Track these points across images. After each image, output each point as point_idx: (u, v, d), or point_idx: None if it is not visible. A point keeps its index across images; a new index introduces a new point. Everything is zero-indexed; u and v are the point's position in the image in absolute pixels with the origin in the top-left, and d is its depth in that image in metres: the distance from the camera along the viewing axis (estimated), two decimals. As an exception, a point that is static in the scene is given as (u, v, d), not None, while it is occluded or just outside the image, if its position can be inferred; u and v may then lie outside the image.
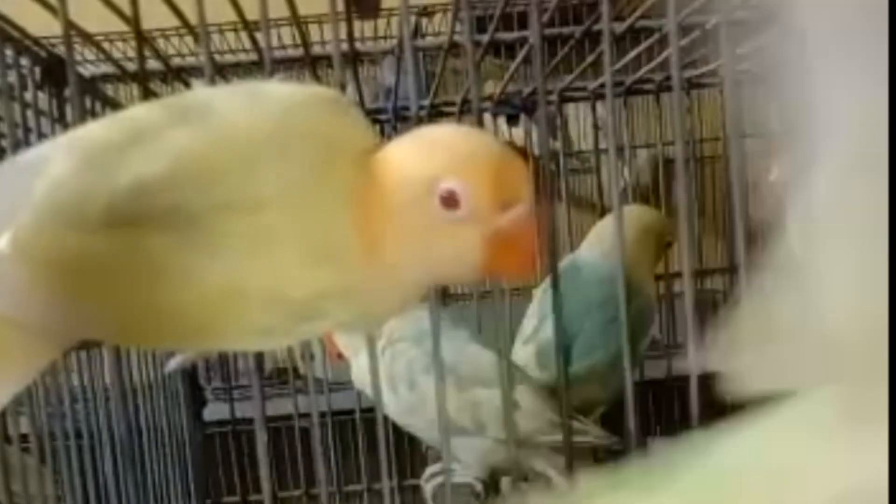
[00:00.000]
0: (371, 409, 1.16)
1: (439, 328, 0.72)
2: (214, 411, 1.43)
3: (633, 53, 1.06)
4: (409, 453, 1.38)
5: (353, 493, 1.42)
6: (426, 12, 1.66)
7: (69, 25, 0.62)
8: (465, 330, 1.06)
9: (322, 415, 1.33)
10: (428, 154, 0.47)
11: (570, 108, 1.76)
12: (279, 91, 0.50)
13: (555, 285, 0.73)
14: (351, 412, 1.32)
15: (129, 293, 0.46)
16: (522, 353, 1.15)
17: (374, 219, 0.46)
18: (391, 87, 1.27)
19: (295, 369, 1.38)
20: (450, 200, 0.46)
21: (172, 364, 0.62)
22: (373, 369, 0.64)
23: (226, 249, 0.45)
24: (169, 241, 0.45)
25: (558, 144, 1.68)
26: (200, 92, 0.52)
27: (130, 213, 0.44)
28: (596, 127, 1.40)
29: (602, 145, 1.43)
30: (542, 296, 1.19)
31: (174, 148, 0.45)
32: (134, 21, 0.64)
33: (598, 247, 1.16)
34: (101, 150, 0.46)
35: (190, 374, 1.25)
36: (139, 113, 0.49)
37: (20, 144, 0.76)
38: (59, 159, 0.46)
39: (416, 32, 1.58)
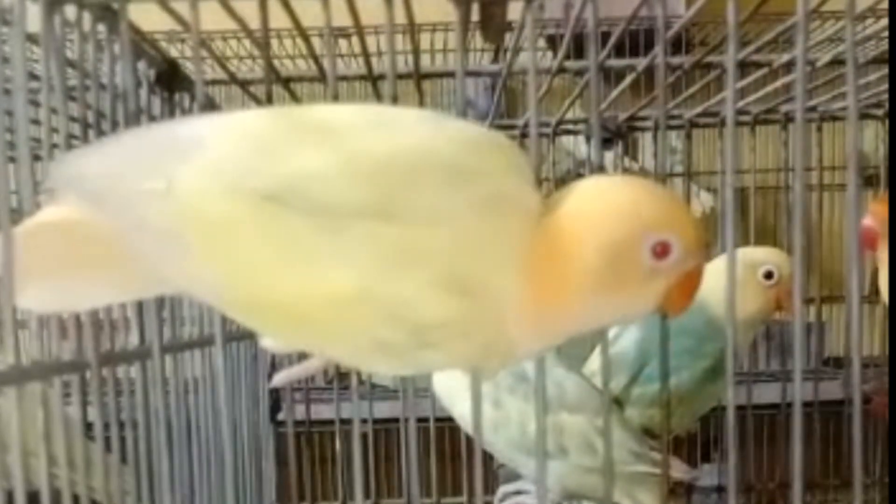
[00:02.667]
0: (445, 419, 1.15)
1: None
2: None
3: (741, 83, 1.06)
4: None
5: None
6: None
7: (200, 42, 0.62)
8: (551, 353, 1.06)
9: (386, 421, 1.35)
10: (632, 210, 0.49)
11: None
12: (462, 124, 0.52)
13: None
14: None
15: (264, 267, 0.47)
16: (593, 365, 1.15)
17: (552, 271, 0.48)
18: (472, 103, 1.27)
19: (358, 375, 1.38)
20: (661, 251, 0.49)
21: (279, 379, 0.63)
22: (475, 410, 0.64)
23: (365, 255, 0.46)
24: (315, 231, 0.46)
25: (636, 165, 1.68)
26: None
27: (289, 195, 0.46)
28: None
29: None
30: (644, 335, 1.18)
31: (348, 146, 0.47)
32: (264, 32, 0.64)
33: (711, 279, 1.14)
34: (270, 135, 0.48)
35: (271, 373, 1.25)
36: (317, 111, 0.51)
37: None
38: (219, 136, 0.48)
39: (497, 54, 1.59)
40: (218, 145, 0.48)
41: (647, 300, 0.51)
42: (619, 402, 1.11)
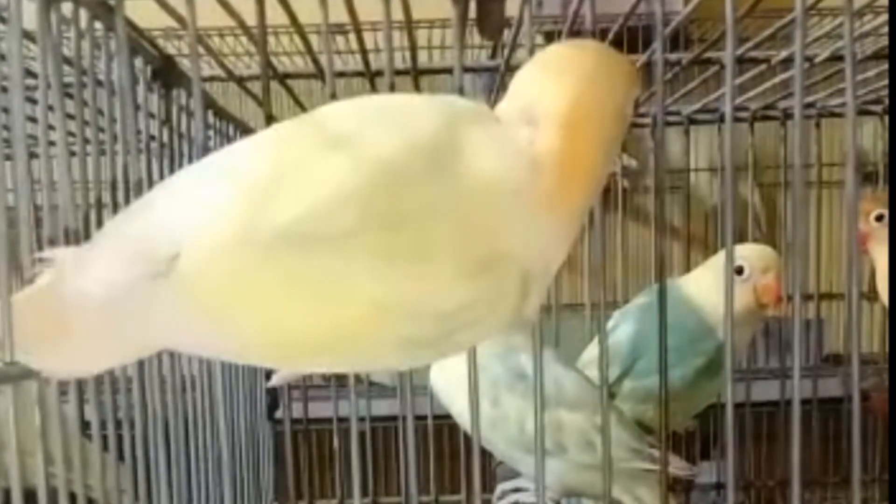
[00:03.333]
0: (443, 417, 1.15)
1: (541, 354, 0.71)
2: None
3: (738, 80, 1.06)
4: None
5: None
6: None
7: (196, 39, 0.62)
8: (550, 350, 1.06)
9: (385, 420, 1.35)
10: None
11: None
12: (421, 106, 0.53)
13: (662, 311, 0.72)
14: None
15: (282, 308, 0.48)
16: (587, 355, 1.16)
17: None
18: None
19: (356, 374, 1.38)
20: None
21: (277, 378, 0.63)
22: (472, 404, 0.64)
23: (381, 266, 0.47)
24: (326, 260, 0.47)
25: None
26: (345, 109, 0.53)
27: (292, 236, 0.46)
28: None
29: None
30: (630, 306, 1.19)
31: (334, 176, 0.48)
32: (261, 29, 0.64)
33: (703, 280, 1.15)
34: (261, 181, 0.48)
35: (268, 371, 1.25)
36: (297, 133, 0.51)
37: (129, 144, 0.77)
38: (220, 188, 0.48)
39: (495, 51, 1.58)
40: (221, 200, 0.48)
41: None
42: (611, 396, 1.11)
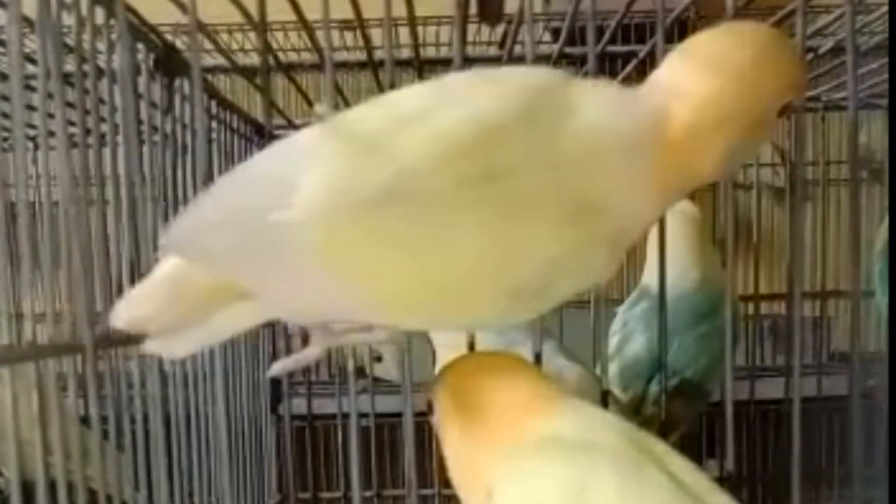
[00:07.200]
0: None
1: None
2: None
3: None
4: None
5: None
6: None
7: (198, 27, 0.62)
8: (551, 342, 1.05)
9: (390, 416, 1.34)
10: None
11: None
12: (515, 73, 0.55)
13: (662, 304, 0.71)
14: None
15: (396, 263, 0.50)
16: (611, 373, 1.14)
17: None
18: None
19: (361, 369, 1.37)
20: None
21: (277, 368, 0.62)
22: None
23: (489, 215, 0.49)
24: (433, 213, 0.49)
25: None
26: (454, 77, 0.55)
27: (401, 193, 0.48)
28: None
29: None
30: (626, 312, 1.18)
31: (435, 131, 0.50)
32: (261, 19, 0.64)
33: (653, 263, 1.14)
34: (369, 138, 0.50)
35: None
36: (399, 99, 0.54)
37: (130, 134, 0.77)
38: (329, 147, 0.50)
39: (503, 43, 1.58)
40: (332, 158, 0.50)
41: None
42: (641, 402, 1.11)
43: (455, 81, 0.54)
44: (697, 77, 0.52)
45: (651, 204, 0.54)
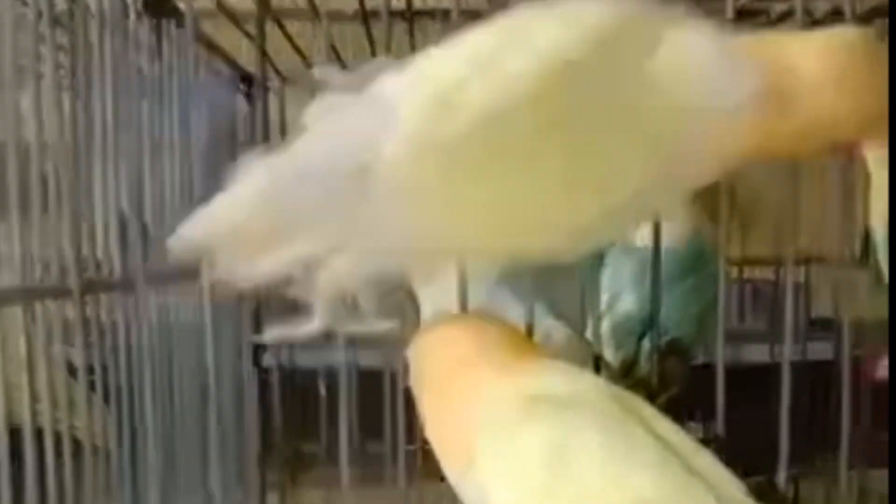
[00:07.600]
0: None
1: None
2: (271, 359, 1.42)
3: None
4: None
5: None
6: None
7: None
8: (543, 302, 1.04)
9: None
10: None
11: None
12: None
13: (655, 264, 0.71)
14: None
15: (478, 206, 0.50)
16: (594, 330, 1.14)
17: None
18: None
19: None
20: None
21: (271, 335, 0.61)
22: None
23: (567, 143, 0.49)
24: (515, 157, 0.49)
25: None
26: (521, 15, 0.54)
27: (482, 139, 0.48)
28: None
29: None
30: (613, 268, 1.18)
31: (509, 78, 0.49)
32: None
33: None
34: (446, 85, 0.49)
35: (254, 320, 1.23)
36: (475, 42, 0.52)
37: (119, 76, 0.76)
38: (409, 96, 0.50)
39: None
40: (412, 107, 0.49)
41: None
42: (633, 363, 1.11)
43: (528, 18, 0.53)
44: (829, 75, 0.51)
45: (710, 158, 0.52)
